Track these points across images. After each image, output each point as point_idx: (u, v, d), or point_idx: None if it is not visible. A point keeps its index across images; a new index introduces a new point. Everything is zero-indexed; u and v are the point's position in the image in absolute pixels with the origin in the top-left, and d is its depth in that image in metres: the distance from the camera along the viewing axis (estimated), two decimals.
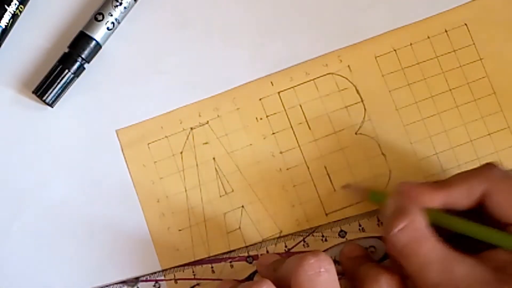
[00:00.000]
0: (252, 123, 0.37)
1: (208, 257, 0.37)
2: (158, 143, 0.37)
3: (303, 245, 0.36)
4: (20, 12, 0.37)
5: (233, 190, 0.37)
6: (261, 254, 0.36)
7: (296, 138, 0.37)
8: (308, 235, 0.36)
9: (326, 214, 0.37)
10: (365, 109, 0.37)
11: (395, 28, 0.38)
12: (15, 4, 0.36)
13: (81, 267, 0.37)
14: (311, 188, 0.37)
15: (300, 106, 0.37)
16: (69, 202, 0.37)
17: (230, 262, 0.36)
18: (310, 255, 0.30)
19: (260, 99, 0.38)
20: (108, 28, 0.37)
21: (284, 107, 0.38)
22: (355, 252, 0.35)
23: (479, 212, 0.32)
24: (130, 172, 0.37)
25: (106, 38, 0.37)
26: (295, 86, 0.38)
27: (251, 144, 0.37)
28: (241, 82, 0.38)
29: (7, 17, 0.36)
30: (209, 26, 0.38)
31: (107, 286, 0.36)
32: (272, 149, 0.37)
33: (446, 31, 0.38)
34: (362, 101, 0.38)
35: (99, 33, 0.37)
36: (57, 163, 0.37)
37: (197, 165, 0.37)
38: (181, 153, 0.37)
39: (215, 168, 0.37)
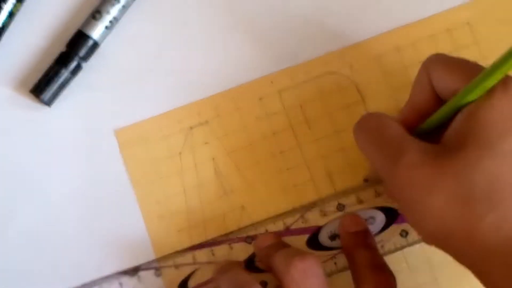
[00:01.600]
0: (252, 123, 0.37)
1: (207, 241, 0.36)
2: (157, 143, 0.37)
3: (302, 221, 0.36)
4: (17, 10, 0.37)
5: (232, 191, 0.37)
6: (260, 234, 0.36)
7: (296, 138, 0.37)
8: (307, 211, 0.36)
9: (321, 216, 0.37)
10: (366, 108, 0.37)
11: (397, 27, 0.38)
12: (12, 2, 0.36)
13: (80, 266, 0.37)
14: (311, 188, 0.37)
15: (300, 106, 0.37)
16: (67, 202, 0.37)
17: (230, 244, 0.36)
18: (297, 259, 0.30)
19: (260, 99, 0.37)
20: (106, 27, 0.36)
21: (284, 107, 0.37)
22: (354, 225, 0.35)
23: None
24: (128, 173, 0.37)
25: (104, 36, 0.37)
26: (296, 85, 0.37)
27: (251, 144, 0.37)
28: (241, 82, 0.37)
29: (3, 15, 0.36)
30: (209, 25, 0.38)
31: (107, 277, 0.36)
32: (272, 149, 0.37)
33: (448, 30, 0.38)
34: (363, 100, 0.37)
35: (96, 32, 0.36)
36: (54, 163, 0.37)
37: (196, 165, 0.37)
38: (180, 153, 0.37)
39: (215, 169, 0.37)
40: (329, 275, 0.36)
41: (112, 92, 0.38)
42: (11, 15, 0.37)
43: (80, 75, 0.37)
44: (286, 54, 0.38)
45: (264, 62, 0.38)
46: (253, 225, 0.36)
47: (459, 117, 0.28)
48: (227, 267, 0.34)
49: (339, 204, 0.36)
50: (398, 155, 0.28)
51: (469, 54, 0.37)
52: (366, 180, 0.37)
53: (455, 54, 0.37)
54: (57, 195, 0.37)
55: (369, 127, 0.31)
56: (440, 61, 0.30)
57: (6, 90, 0.38)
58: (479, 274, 0.27)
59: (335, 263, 0.36)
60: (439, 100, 0.30)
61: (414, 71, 0.37)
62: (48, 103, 0.36)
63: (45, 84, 0.36)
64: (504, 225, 0.25)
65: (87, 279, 0.36)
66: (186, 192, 0.37)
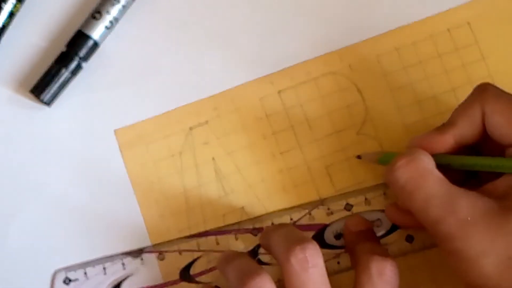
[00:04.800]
0: (252, 123, 0.37)
1: (213, 229, 0.36)
2: (157, 143, 0.37)
3: (309, 217, 0.36)
4: (17, 10, 0.37)
5: (233, 191, 0.37)
6: (266, 227, 0.36)
7: (296, 138, 0.37)
8: (314, 208, 0.36)
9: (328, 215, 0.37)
10: (366, 108, 0.37)
11: (397, 27, 0.37)
12: (12, 2, 0.36)
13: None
14: (312, 188, 0.37)
15: (301, 106, 0.37)
16: (67, 201, 0.37)
17: (235, 234, 0.36)
18: (298, 249, 0.29)
19: (260, 99, 0.37)
20: (106, 27, 0.37)
21: (284, 107, 0.37)
22: (358, 225, 0.35)
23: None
24: (128, 173, 0.37)
25: (104, 37, 0.37)
26: (296, 85, 0.37)
27: (251, 144, 0.37)
28: (241, 82, 0.37)
29: (3, 15, 0.36)
30: (209, 25, 0.38)
31: (111, 256, 0.36)
32: (272, 149, 0.37)
33: (448, 30, 0.38)
34: (363, 100, 0.37)
35: (96, 32, 0.36)
36: (55, 163, 0.37)
37: (196, 165, 0.37)
38: (180, 153, 0.37)
39: (215, 169, 0.37)
40: (332, 274, 0.36)
41: (112, 92, 0.38)
42: (11, 15, 0.37)
43: (80, 75, 0.37)
44: (286, 54, 0.37)
45: (264, 62, 0.37)
46: (260, 217, 0.36)
47: None
48: (233, 256, 0.34)
49: (347, 204, 0.36)
50: (447, 212, 0.28)
51: (470, 54, 0.37)
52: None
53: (455, 54, 0.37)
54: (57, 195, 0.37)
55: (406, 177, 0.30)
56: (498, 100, 0.30)
57: (6, 90, 0.38)
58: None
59: (338, 262, 0.36)
60: (483, 136, 0.31)
61: (414, 71, 0.37)
62: (48, 103, 0.36)
63: (45, 84, 0.36)
64: None
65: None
66: (186, 192, 0.37)
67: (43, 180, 0.37)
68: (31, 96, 0.37)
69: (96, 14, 0.36)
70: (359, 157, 0.36)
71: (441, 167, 0.30)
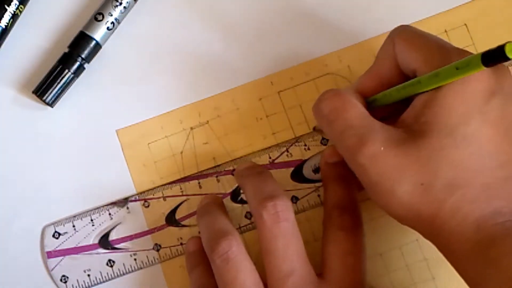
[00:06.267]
0: (252, 123, 0.37)
1: (195, 174, 0.37)
2: (158, 143, 0.37)
3: (287, 155, 0.37)
4: (20, 12, 0.37)
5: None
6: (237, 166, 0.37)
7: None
8: (291, 145, 0.37)
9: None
10: None
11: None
12: (15, 4, 0.36)
13: None
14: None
15: (300, 106, 0.38)
16: (69, 201, 0.37)
17: (217, 176, 0.37)
18: (270, 205, 0.31)
19: (260, 99, 0.38)
20: (108, 28, 0.37)
21: (284, 107, 0.38)
22: (335, 156, 0.35)
23: None
24: (130, 172, 0.37)
25: (106, 38, 0.37)
26: (295, 86, 0.38)
27: (251, 144, 0.37)
28: (241, 82, 0.38)
29: (7, 17, 0.36)
30: (209, 26, 0.38)
31: (98, 208, 0.37)
32: None
33: (446, 31, 0.38)
34: None
35: (99, 33, 0.37)
36: (57, 163, 0.37)
37: (197, 165, 0.37)
38: (181, 153, 0.37)
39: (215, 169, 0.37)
40: (312, 207, 0.37)
41: (114, 93, 0.38)
42: (14, 16, 0.37)
43: (83, 76, 0.37)
44: (286, 55, 0.38)
45: (264, 63, 0.38)
46: (240, 158, 0.37)
47: (419, 101, 0.29)
48: (206, 207, 0.35)
49: (322, 138, 0.37)
50: (361, 142, 0.29)
51: None
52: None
53: None
54: (59, 195, 0.37)
55: (330, 108, 0.31)
56: (403, 34, 0.31)
57: (10, 91, 0.38)
58: (444, 251, 0.29)
59: (319, 195, 0.37)
60: (402, 73, 0.31)
61: None
62: (51, 103, 0.37)
63: (48, 85, 0.36)
64: (462, 206, 0.27)
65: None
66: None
67: (46, 180, 0.37)
68: (34, 96, 0.37)
69: (98, 16, 0.37)
70: (314, 129, 0.37)
71: (371, 108, 0.31)
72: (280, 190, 0.32)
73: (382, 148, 0.28)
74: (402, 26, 0.31)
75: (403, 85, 0.30)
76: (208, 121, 0.38)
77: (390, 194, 0.28)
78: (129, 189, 0.37)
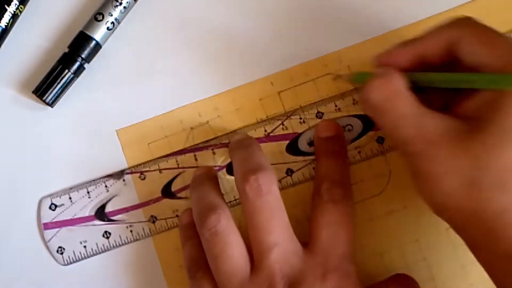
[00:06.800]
0: (252, 123, 0.37)
1: (191, 146, 0.37)
2: (158, 142, 0.37)
3: (282, 128, 0.37)
4: (20, 12, 0.37)
5: (232, 189, 0.37)
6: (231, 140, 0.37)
7: None
8: (286, 118, 0.37)
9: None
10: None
11: (395, 28, 0.38)
12: (15, 4, 0.36)
13: None
14: (311, 188, 0.37)
15: (300, 106, 0.38)
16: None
17: (212, 149, 0.37)
18: (252, 178, 0.31)
19: (260, 99, 0.38)
20: (108, 28, 0.37)
21: (284, 107, 0.38)
22: (328, 130, 0.36)
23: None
24: None
25: (106, 38, 0.37)
26: (295, 86, 0.38)
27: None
28: (241, 82, 0.38)
29: (7, 17, 0.36)
30: (209, 26, 0.38)
31: (93, 180, 0.37)
32: None
33: None
34: None
35: (99, 33, 0.37)
36: (58, 163, 0.37)
37: (198, 165, 0.37)
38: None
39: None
40: (307, 180, 0.37)
41: (114, 93, 0.38)
42: (14, 16, 0.37)
43: (83, 76, 0.37)
44: (286, 55, 0.38)
45: (264, 63, 0.38)
46: (235, 131, 0.37)
47: (484, 98, 0.28)
48: (199, 180, 0.35)
49: (318, 111, 0.37)
50: (418, 132, 0.28)
51: None
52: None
53: None
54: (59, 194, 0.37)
55: (380, 98, 0.30)
56: (475, 27, 0.30)
57: (9, 91, 0.38)
58: (478, 250, 0.28)
59: (313, 168, 0.37)
60: (446, 60, 0.30)
61: None
62: (51, 103, 0.37)
63: (48, 85, 0.36)
64: (510, 209, 0.27)
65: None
66: (187, 192, 0.37)
67: (46, 180, 0.37)
68: (34, 96, 0.37)
69: (98, 16, 0.37)
70: (337, 77, 0.37)
71: (414, 88, 0.30)
72: (266, 163, 0.32)
73: (436, 138, 0.28)
74: (469, 18, 0.31)
75: (466, 75, 0.29)
76: (208, 121, 0.38)
77: (437, 182, 0.28)
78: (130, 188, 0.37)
